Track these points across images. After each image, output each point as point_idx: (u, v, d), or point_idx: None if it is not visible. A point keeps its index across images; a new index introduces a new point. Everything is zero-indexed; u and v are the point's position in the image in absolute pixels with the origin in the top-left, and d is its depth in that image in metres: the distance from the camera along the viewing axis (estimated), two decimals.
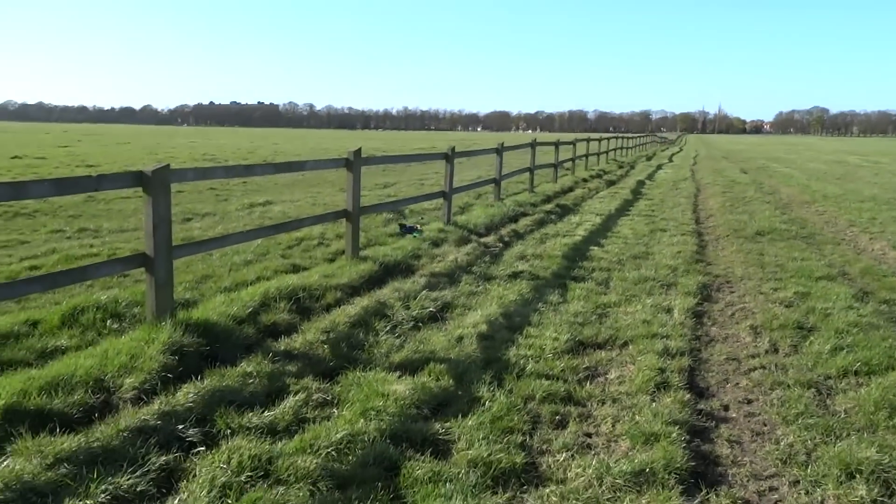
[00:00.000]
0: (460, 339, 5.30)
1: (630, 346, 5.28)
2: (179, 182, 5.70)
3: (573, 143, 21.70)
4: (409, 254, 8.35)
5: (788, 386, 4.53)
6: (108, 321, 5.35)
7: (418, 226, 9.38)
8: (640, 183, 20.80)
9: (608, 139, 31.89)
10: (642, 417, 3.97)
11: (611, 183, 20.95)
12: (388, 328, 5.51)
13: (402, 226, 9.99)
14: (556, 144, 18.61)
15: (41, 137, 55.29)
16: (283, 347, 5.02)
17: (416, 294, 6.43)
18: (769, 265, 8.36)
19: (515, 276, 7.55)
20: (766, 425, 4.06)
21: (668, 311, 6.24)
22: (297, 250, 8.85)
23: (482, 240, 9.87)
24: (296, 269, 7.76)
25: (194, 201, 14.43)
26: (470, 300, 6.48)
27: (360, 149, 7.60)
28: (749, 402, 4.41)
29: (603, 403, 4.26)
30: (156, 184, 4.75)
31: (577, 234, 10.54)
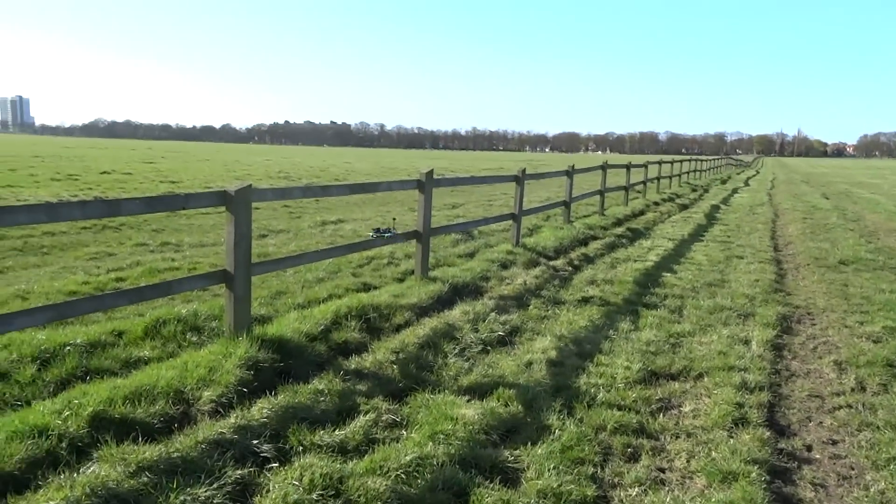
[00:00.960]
0: (529, 364, 5.26)
1: (705, 378, 5.12)
2: (259, 201, 5.87)
3: (645, 165, 21.34)
4: (478, 275, 8.36)
5: (878, 428, 4.29)
6: (188, 334, 5.55)
7: (392, 228, 9.81)
8: (715, 207, 20.24)
9: (681, 162, 31.20)
10: (719, 454, 3.83)
11: (683, 207, 20.46)
12: (456, 350, 5.52)
13: (376, 230, 10.74)
14: (628, 167, 18.34)
15: (128, 153, 58.25)
16: (353, 366, 5.09)
17: (484, 316, 6.42)
18: (854, 297, 7.97)
19: (585, 301, 7.44)
20: (853, 469, 3.85)
21: (746, 342, 6.02)
22: (368, 269, 8.98)
23: (551, 263, 9.78)
24: (366, 287, 7.88)
25: (269, 218, 14.87)
26: (539, 325, 6.42)
27: (431, 170, 7.68)
28: (834, 442, 4.20)
29: (677, 437, 4.14)
30: (238, 203, 4.92)
31: (648, 259, 10.33)
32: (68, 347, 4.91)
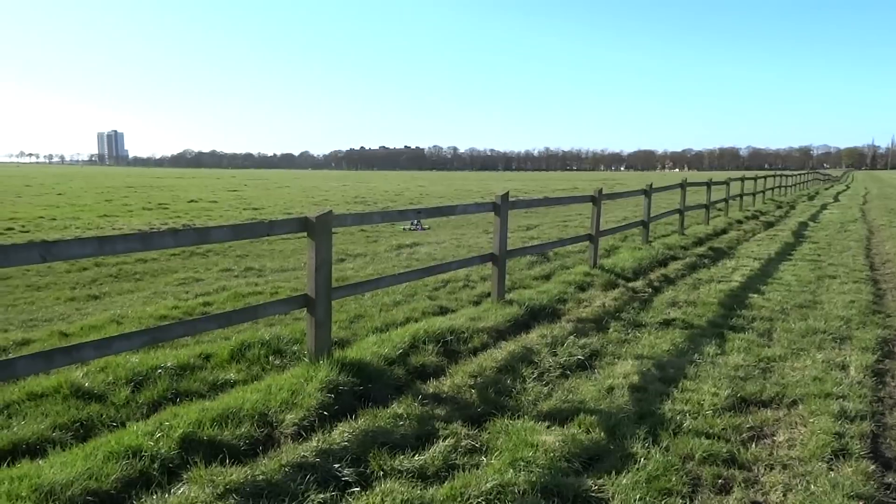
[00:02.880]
0: (611, 389, 5.13)
1: (800, 406, 4.85)
2: (339, 226, 6.00)
3: (727, 182, 20.67)
4: (555, 297, 8.25)
5: None
6: (271, 357, 5.69)
7: (419, 223, 9.48)
8: (803, 225, 19.36)
9: (764, 178, 30.05)
10: (818, 488, 3.61)
11: (769, 225, 19.66)
12: (535, 375, 5.44)
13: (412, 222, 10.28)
14: (708, 184, 17.80)
15: (214, 182, 60.90)
16: (431, 390, 5.09)
17: (562, 340, 6.32)
18: None
19: (667, 323, 7.22)
20: None
21: (843, 367, 5.68)
22: (444, 292, 9.01)
23: (630, 284, 9.56)
24: (442, 310, 7.90)
25: (347, 242, 15.19)
26: (619, 348, 6.26)
27: (507, 193, 7.67)
28: None
29: (771, 468, 3.93)
30: (319, 229, 5.04)
31: (733, 279, 9.95)
32: (160, 370, 5.12)
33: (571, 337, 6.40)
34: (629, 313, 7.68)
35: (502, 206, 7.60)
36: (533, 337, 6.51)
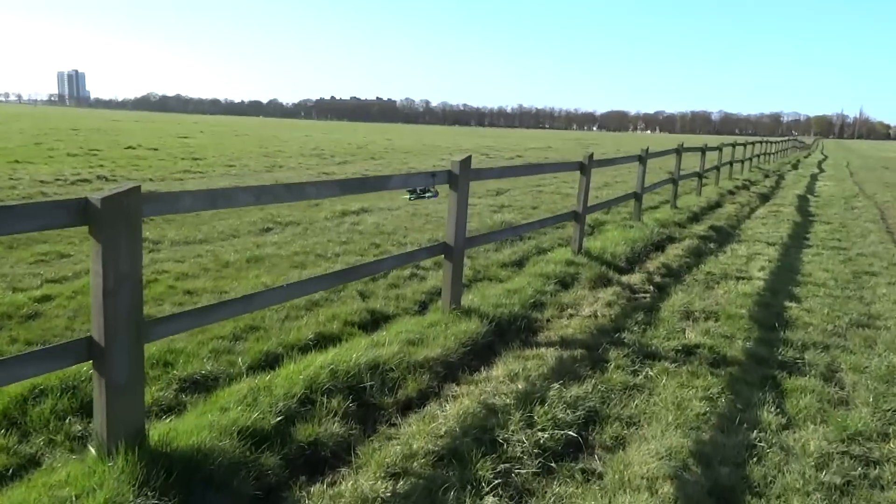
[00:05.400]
0: None
1: None
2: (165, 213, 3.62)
3: (719, 148, 18.59)
4: (529, 301, 6.09)
5: None
6: None
7: (433, 188, 5.40)
8: (803, 199, 17.42)
9: (753, 144, 28.10)
10: None
11: (764, 198, 17.69)
12: (498, 471, 3.26)
13: (412, 191, 5.70)
14: (703, 150, 15.68)
15: (170, 127, 57.15)
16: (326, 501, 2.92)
17: (542, 388, 4.15)
18: None
19: (688, 353, 5.09)
20: None
21: None
22: (382, 285, 6.78)
23: (625, 279, 7.43)
24: (373, 317, 5.69)
25: (284, 205, 12.76)
26: (627, 407, 4.09)
27: (468, 158, 5.39)
28: None
29: None
30: (111, 219, 2.73)
31: (752, 274, 7.88)
32: None
33: (555, 385, 4.21)
34: (632, 331, 5.54)
35: (460, 178, 5.32)
36: (497, 378, 4.34)
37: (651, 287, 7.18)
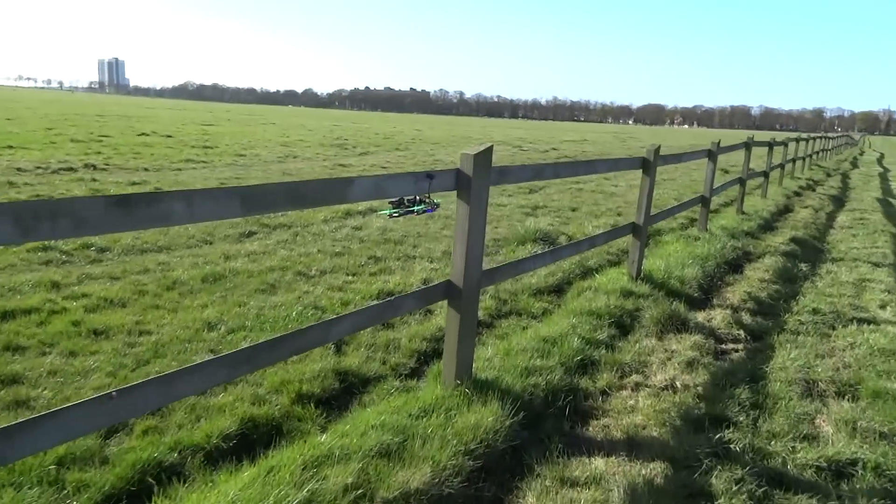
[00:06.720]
0: None
1: None
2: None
3: (784, 143, 16.33)
4: (576, 359, 4.17)
5: None
6: None
7: (429, 197, 3.42)
8: (885, 203, 15.11)
9: (814, 139, 25.63)
10: None
11: (837, 201, 15.41)
12: None
13: (398, 202, 3.50)
14: (771, 144, 13.48)
15: (199, 115, 56.06)
16: None
17: None
18: None
19: (839, 475, 3.12)
20: None
21: None
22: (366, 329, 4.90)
23: (701, 318, 5.46)
24: (344, 384, 3.83)
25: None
26: None
27: (489, 149, 3.46)
28: None
29: None
30: None
31: (876, 314, 5.81)
32: None
33: None
34: (738, 424, 3.56)
35: (476, 180, 3.39)
36: None
37: (742, 333, 5.19)
